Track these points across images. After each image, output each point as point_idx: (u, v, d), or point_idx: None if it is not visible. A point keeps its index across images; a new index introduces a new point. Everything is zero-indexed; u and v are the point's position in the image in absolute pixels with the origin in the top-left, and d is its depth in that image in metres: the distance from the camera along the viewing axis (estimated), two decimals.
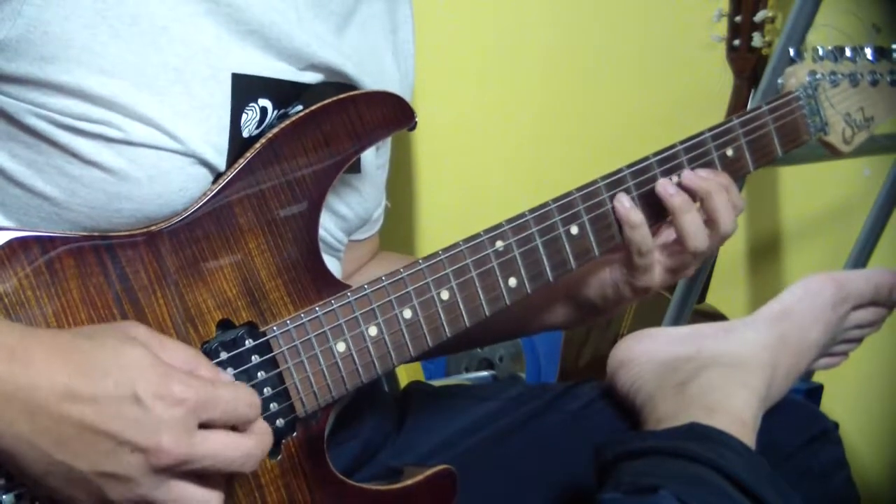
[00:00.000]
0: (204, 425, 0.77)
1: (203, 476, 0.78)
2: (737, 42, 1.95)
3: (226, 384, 0.80)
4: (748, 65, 1.96)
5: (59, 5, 0.82)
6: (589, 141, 2.25)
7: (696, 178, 1.04)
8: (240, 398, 0.79)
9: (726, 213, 1.04)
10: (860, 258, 1.88)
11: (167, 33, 0.87)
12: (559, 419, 1.13)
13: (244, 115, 0.91)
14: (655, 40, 2.19)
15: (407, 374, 1.83)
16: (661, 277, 1.07)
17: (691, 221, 1.03)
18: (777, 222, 2.14)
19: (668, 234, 1.06)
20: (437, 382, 2.01)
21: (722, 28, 1.98)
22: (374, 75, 1.03)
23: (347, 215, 1.04)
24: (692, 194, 1.04)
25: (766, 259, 2.17)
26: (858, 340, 1.17)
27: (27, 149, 0.85)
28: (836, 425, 1.09)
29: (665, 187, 1.03)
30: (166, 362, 0.77)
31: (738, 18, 1.94)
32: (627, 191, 1.03)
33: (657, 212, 1.04)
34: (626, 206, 1.02)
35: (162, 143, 0.86)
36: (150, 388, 0.74)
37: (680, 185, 1.04)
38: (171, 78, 0.87)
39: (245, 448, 0.79)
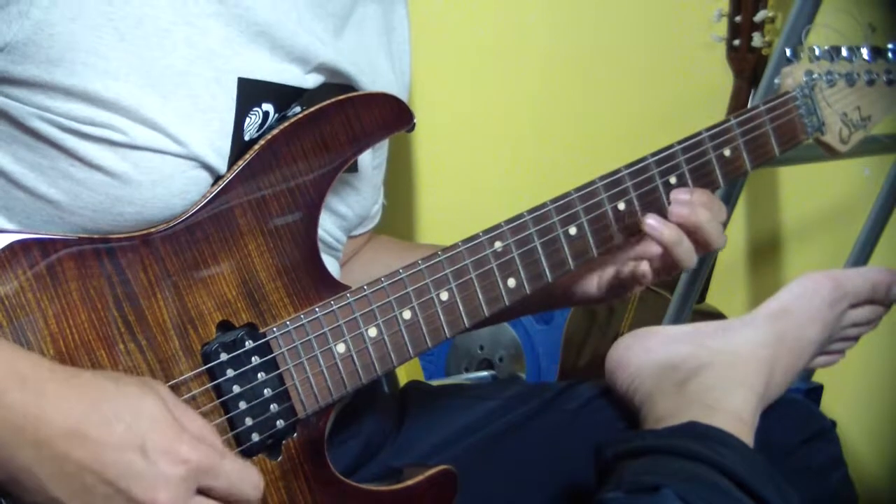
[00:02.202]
0: (204, 493, 0.77)
1: None
2: (737, 42, 1.95)
3: (235, 459, 0.81)
4: (748, 65, 1.96)
5: (66, 7, 0.82)
6: (588, 141, 2.25)
7: (682, 210, 1.03)
8: (245, 477, 0.80)
9: (716, 238, 1.05)
10: (860, 258, 1.88)
11: (173, 36, 0.87)
12: (558, 418, 1.13)
13: (247, 119, 0.91)
14: (655, 40, 2.19)
15: (406, 374, 1.83)
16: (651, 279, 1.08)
17: (685, 251, 1.04)
18: (777, 222, 2.14)
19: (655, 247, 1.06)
20: (436, 382, 2.02)
21: (722, 28, 1.98)
22: (369, 76, 1.03)
23: (346, 214, 1.05)
24: (681, 227, 1.04)
25: (766, 259, 2.17)
26: (855, 338, 1.17)
27: (31, 152, 0.86)
28: (833, 424, 1.09)
29: (653, 227, 1.03)
30: (181, 424, 0.77)
31: (738, 18, 1.94)
32: (625, 192, 1.03)
33: (655, 212, 1.04)
34: (659, 228, 1.03)
35: (165, 147, 0.87)
36: (159, 443, 0.75)
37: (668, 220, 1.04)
38: (176, 81, 0.87)
39: None
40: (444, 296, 0.95)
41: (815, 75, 1.14)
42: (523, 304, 1.08)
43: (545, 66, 2.29)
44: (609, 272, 1.09)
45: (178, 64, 0.87)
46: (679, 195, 1.04)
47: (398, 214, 2.40)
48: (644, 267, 1.04)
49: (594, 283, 1.10)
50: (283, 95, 0.94)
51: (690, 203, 1.03)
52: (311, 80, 0.97)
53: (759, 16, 1.92)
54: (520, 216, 0.99)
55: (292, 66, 0.94)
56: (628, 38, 2.21)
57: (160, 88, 0.86)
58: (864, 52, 1.18)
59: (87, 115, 0.84)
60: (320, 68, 0.97)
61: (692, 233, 1.04)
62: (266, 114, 0.93)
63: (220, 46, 0.89)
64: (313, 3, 0.97)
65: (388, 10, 1.11)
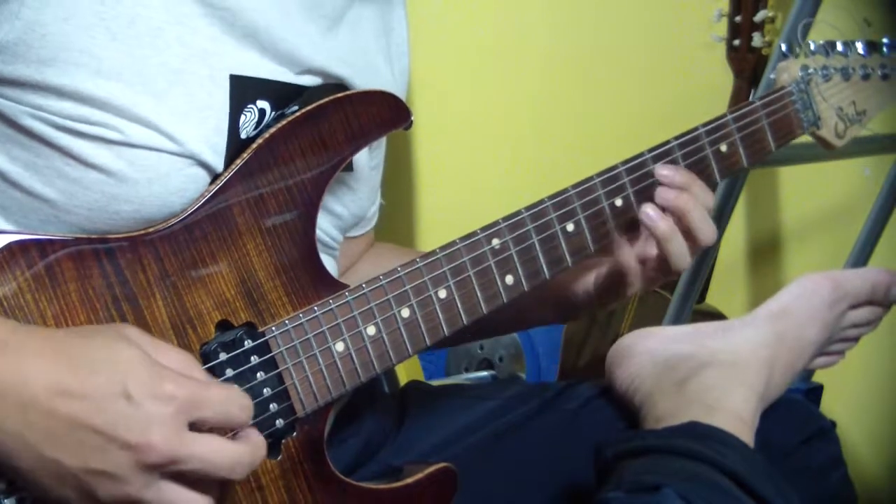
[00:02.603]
0: (196, 428, 0.77)
1: (194, 482, 0.77)
2: (737, 42, 1.95)
3: (218, 385, 0.81)
4: (748, 65, 1.96)
5: (58, 7, 0.82)
6: (588, 140, 2.25)
7: (668, 194, 1.03)
8: (232, 399, 0.79)
9: (701, 223, 1.03)
10: (860, 258, 1.88)
11: (165, 35, 0.87)
12: (558, 418, 1.13)
13: (242, 117, 0.92)
14: (655, 40, 2.19)
15: (406, 374, 1.83)
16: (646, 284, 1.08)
17: (677, 247, 1.03)
18: (777, 222, 2.14)
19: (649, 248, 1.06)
20: (436, 382, 2.02)
21: (722, 28, 1.98)
22: (365, 76, 1.03)
23: (342, 214, 1.05)
24: (669, 212, 1.03)
25: (766, 259, 2.17)
26: (855, 339, 1.17)
27: (26, 151, 0.86)
28: (833, 424, 1.09)
29: (649, 217, 1.02)
30: (159, 362, 0.77)
31: (738, 18, 1.94)
32: (622, 188, 1.03)
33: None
34: (655, 218, 1.02)
35: (161, 145, 0.87)
36: (142, 386, 0.74)
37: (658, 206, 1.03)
38: (170, 79, 0.87)
39: (235, 454, 0.78)
40: (443, 293, 0.95)
41: (810, 70, 1.14)
42: (528, 317, 1.09)
43: (545, 66, 2.29)
44: (605, 273, 1.08)
45: (171, 62, 0.87)
46: (662, 171, 1.03)
47: (398, 214, 2.40)
48: (651, 253, 1.04)
49: (591, 283, 1.09)
50: (279, 93, 0.94)
51: (678, 192, 1.03)
52: (305, 80, 0.97)
53: (759, 16, 1.92)
54: (517, 213, 0.99)
55: (282, 67, 0.95)
56: (628, 38, 2.21)
57: (154, 87, 0.86)
58: (860, 46, 1.18)
59: (80, 113, 0.84)
60: (312, 71, 0.97)
61: (679, 218, 1.03)
62: (262, 111, 0.93)
63: (211, 45, 0.89)
64: (305, 6, 0.97)
65: (386, 12, 1.11)
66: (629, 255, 1.04)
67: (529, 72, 2.30)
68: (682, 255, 1.04)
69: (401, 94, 1.12)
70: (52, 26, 0.82)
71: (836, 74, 1.15)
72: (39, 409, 0.73)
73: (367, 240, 1.23)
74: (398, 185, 2.39)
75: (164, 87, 0.87)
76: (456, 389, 1.32)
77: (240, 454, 0.79)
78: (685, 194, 1.03)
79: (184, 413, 0.76)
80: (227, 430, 0.81)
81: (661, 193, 1.03)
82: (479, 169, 2.38)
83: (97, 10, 0.84)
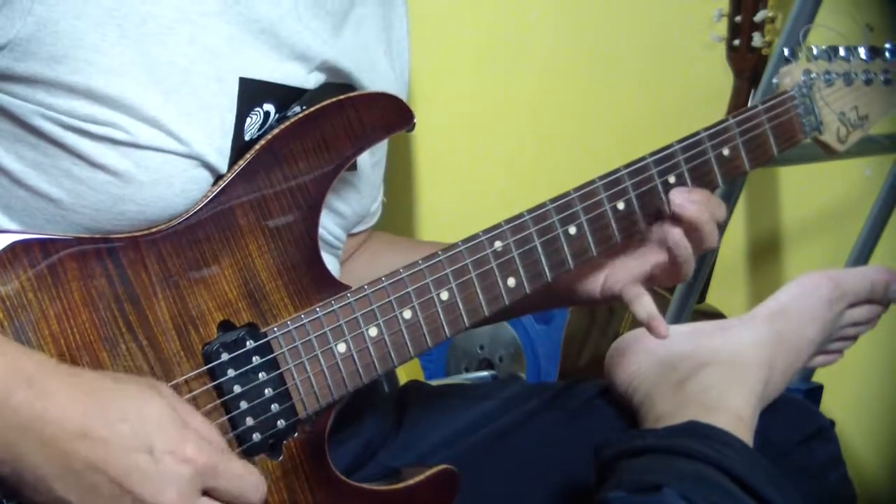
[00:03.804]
0: (207, 495, 0.78)
1: None
2: (737, 42, 1.95)
3: (238, 460, 0.81)
4: (748, 65, 1.96)
5: (70, 4, 0.83)
6: (588, 141, 2.25)
7: (690, 206, 1.02)
8: (248, 478, 0.80)
9: (711, 239, 1.04)
10: (860, 258, 1.88)
11: (176, 33, 0.87)
12: (557, 417, 1.13)
13: (248, 119, 0.92)
14: (655, 40, 2.19)
15: (406, 374, 1.83)
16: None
17: (687, 256, 1.03)
18: (777, 222, 2.14)
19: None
20: (436, 382, 2.01)
21: (722, 28, 1.98)
22: (369, 74, 1.03)
23: (346, 213, 1.05)
24: (684, 220, 1.03)
25: (766, 259, 2.17)
26: (854, 338, 1.17)
27: (33, 150, 0.86)
28: (831, 423, 1.09)
29: (674, 237, 1.02)
30: (186, 423, 0.77)
31: (738, 18, 1.94)
32: (625, 192, 1.03)
33: (652, 213, 1.04)
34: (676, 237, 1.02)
35: (167, 146, 0.87)
36: (166, 443, 0.75)
37: (674, 211, 1.03)
38: (178, 79, 0.87)
39: None
40: (445, 295, 0.95)
41: (813, 75, 1.14)
42: (525, 302, 1.08)
43: (545, 66, 2.29)
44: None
45: (180, 62, 0.87)
46: (677, 194, 1.03)
47: (398, 214, 2.40)
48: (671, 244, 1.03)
49: (598, 283, 1.09)
50: (285, 96, 0.94)
51: (690, 200, 1.03)
52: (314, 80, 0.97)
53: (759, 16, 1.92)
54: (520, 216, 0.99)
55: (295, 64, 0.95)
56: (628, 38, 2.21)
57: (162, 86, 0.87)
58: (862, 51, 1.18)
59: (89, 112, 0.84)
60: (322, 67, 0.97)
61: (689, 231, 1.03)
62: (267, 114, 0.93)
63: (222, 45, 0.89)
64: (312, 2, 0.97)
65: (388, 10, 1.11)
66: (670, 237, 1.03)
67: (529, 72, 2.30)
68: (689, 261, 1.03)
69: (402, 93, 1.12)
70: (63, 23, 0.83)
71: (838, 79, 1.15)
72: (59, 448, 0.73)
73: (367, 233, 1.23)
74: (398, 184, 2.39)
75: (173, 86, 0.87)
76: (456, 389, 1.32)
77: None
78: (698, 206, 1.02)
79: (200, 478, 0.76)
80: None
81: (676, 204, 1.02)
82: (479, 169, 2.37)
83: (109, 8, 0.84)
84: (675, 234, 1.02)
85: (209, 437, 0.79)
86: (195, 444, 0.76)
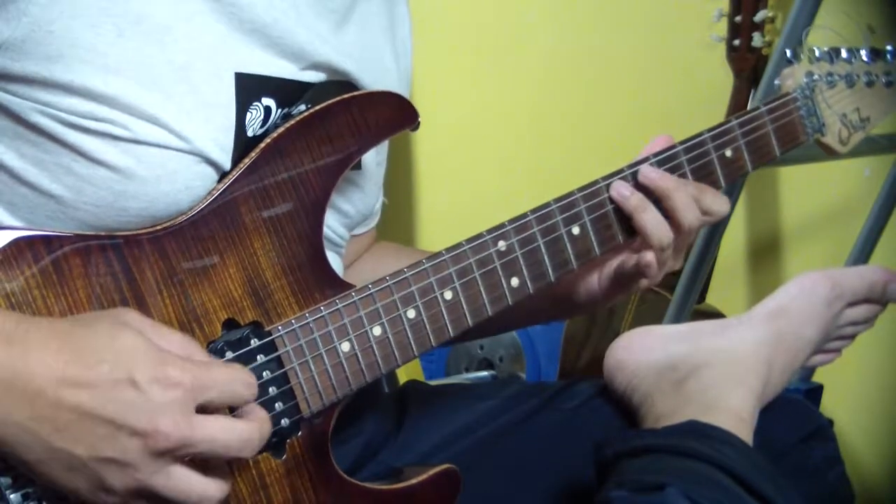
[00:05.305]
0: (202, 409, 0.77)
1: (204, 465, 0.78)
2: (737, 42, 1.96)
3: (221, 365, 0.81)
4: (748, 65, 1.96)
5: (65, 4, 0.83)
6: (589, 141, 2.25)
7: (654, 176, 1.03)
8: (236, 378, 0.80)
9: (685, 211, 1.03)
10: (860, 258, 1.88)
11: (172, 32, 0.87)
12: (557, 417, 1.13)
13: (249, 114, 0.92)
14: (655, 40, 2.19)
15: (406, 374, 1.83)
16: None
17: (650, 219, 1.02)
18: (777, 222, 2.15)
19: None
20: (436, 382, 2.02)
21: (722, 28, 1.99)
22: (373, 73, 1.03)
23: (350, 212, 1.05)
24: (650, 193, 1.03)
25: (766, 259, 2.18)
26: (852, 337, 1.17)
27: (34, 147, 0.86)
28: (830, 422, 1.09)
29: (620, 191, 1.02)
30: (161, 347, 0.77)
31: (738, 18, 1.95)
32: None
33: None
34: (626, 193, 1.02)
35: (168, 142, 0.87)
36: (147, 372, 0.75)
37: (637, 185, 1.03)
38: (176, 76, 0.87)
39: (243, 433, 0.79)
40: (448, 295, 0.96)
41: (815, 76, 1.14)
42: (528, 313, 1.09)
43: (545, 66, 2.29)
44: (609, 269, 1.09)
45: (177, 59, 0.87)
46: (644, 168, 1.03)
47: (398, 214, 2.40)
48: (648, 257, 1.03)
49: (595, 279, 1.10)
50: (284, 90, 0.94)
51: (652, 170, 1.03)
52: (309, 76, 0.97)
53: (759, 16, 1.92)
54: (523, 216, 0.99)
55: (285, 62, 0.95)
56: (628, 38, 2.22)
57: (161, 84, 0.87)
58: (864, 53, 1.18)
59: (88, 110, 0.84)
60: (317, 66, 0.97)
61: (662, 199, 1.03)
62: (267, 108, 0.93)
63: (217, 42, 0.90)
64: (314, 1, 0.97)
65: (391, 7, 1.12)
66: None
67: (530, 72, 2.31)
68: (659, 227, 1.02)
69: (405, 92, 1.13)
70: (59, 23, 0.83)
71: (840, 81, 1.16)
72: (46, 400, 0.73)
73: (370, 237, 1.23)
74: (398, 184, 2.39)
75: (171, 84, 0.87)
76: (456, 389, 1.32)
77: (249, 431, 0.79)
78: (668, 177, 1.03)
79: (190, 397, 0.76)
80: (232, 409, 0.82)
81: (644, 171, 1.03)
82: (479, 169, 2.38)
83: (104, 7, 0.84)
84: (649, 213, 1.02)
85: (187, 353, 0.79)
86: (176, 365, 0.76)
